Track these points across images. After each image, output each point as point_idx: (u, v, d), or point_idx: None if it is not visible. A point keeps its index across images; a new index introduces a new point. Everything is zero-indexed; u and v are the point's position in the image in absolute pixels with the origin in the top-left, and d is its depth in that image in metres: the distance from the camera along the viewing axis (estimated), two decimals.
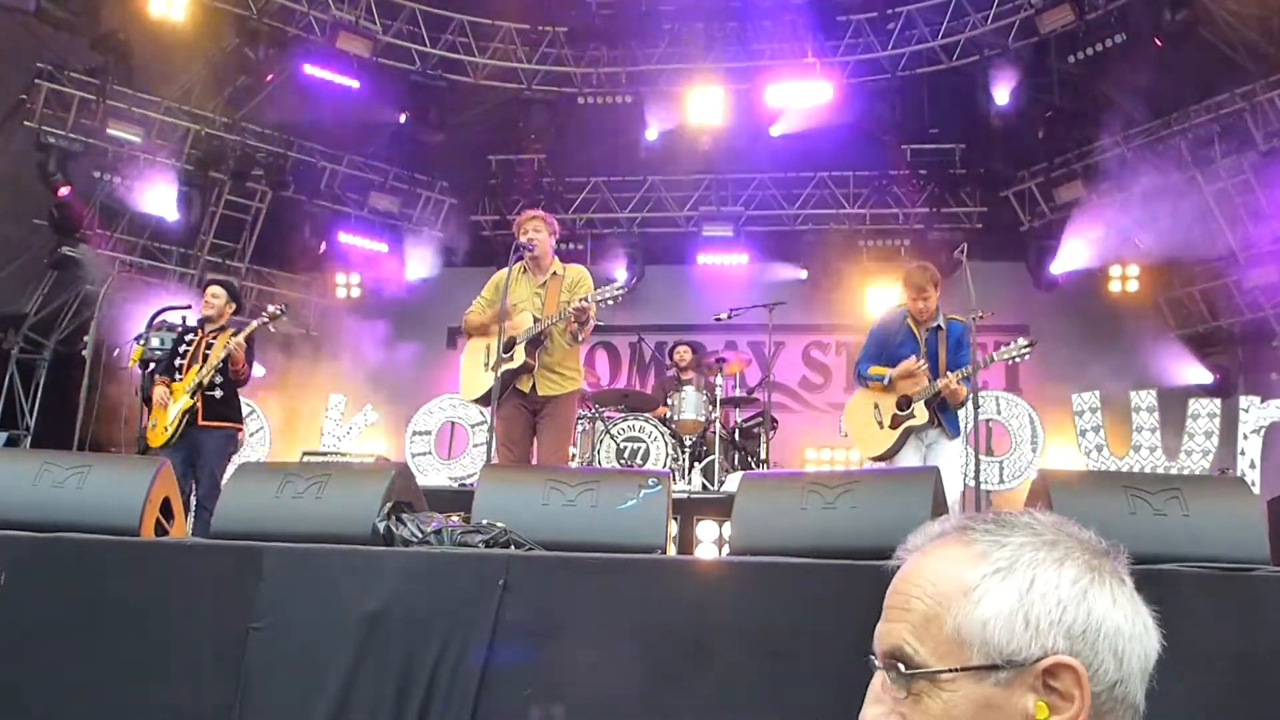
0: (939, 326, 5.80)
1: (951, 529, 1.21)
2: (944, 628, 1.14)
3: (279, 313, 6.48)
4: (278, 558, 3.31)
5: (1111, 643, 1.13)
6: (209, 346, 6.47)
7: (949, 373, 5.62)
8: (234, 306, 6.73)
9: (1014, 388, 10.95)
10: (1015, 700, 1.11)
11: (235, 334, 6.41)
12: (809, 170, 11.92)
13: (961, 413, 5.76)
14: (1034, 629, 1.12)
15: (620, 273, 11.78)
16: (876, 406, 5.83)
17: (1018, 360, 5.89)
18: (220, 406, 6.39)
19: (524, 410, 5.61)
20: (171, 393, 6.38)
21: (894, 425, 5.72)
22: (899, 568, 1.22)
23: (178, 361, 6.49)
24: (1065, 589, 1.14)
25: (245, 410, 7.05)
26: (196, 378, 6.34)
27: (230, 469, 5.97)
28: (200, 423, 6.31)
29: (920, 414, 5.68)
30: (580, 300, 5.37)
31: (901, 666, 1.16)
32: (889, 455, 5.72)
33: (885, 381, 5.79)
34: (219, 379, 6.37)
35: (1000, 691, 1.11)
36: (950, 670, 1.12)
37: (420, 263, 12.17)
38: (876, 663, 1.20)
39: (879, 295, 11.42)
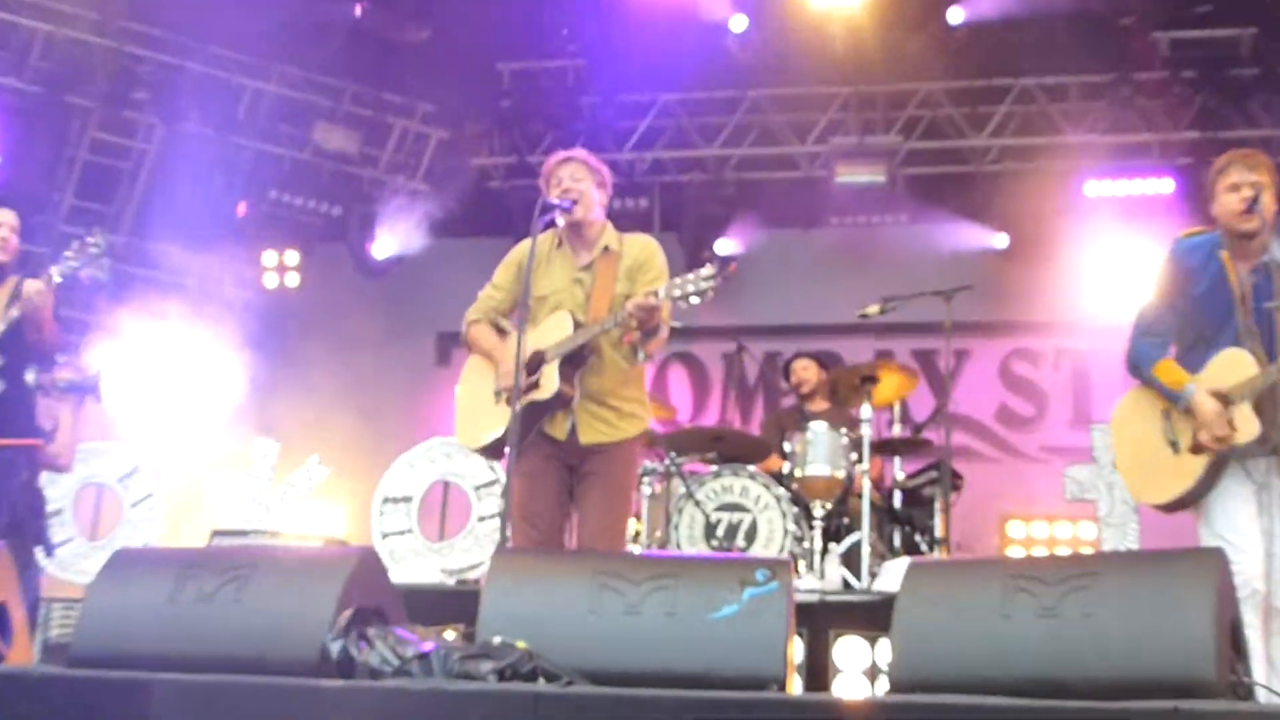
0: (1274, 262, 5.21)
1: None
2: None
3: (95, 248, 6.17)
4: (173, 697, 3.34)
5: None
6: None
7: None
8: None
9: None
10: None
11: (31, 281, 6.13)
12: (1004, 76, 11.82)
13: None
14: None
15: (717, 247, 11.81)
16: (1167, 416, 5.43)
17: None
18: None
19: (558, 465, 5.63)
20: None
21: (1197, 449, 5.29)
22: None
23: None
24: None
25: (124, 464, 7.13)
26: None
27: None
28: None
29: (1245, 425, 5.17)
30: (648, 293, 5.38)
31: None
32: (1190, 500, 5.29)
33: (1184, 399, 5.35)
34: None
35: None
36: None
37: (394, 232, 12.33)
38: None
39: (1122, 272, 11.21)
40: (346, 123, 12.26)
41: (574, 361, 5.56)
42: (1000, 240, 11.92)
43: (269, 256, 12.69)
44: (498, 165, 12.79)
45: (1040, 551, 10.53)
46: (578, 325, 5.56)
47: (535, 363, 5.54)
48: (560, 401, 5.54)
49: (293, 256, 12.69)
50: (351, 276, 12.30)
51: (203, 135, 11.95)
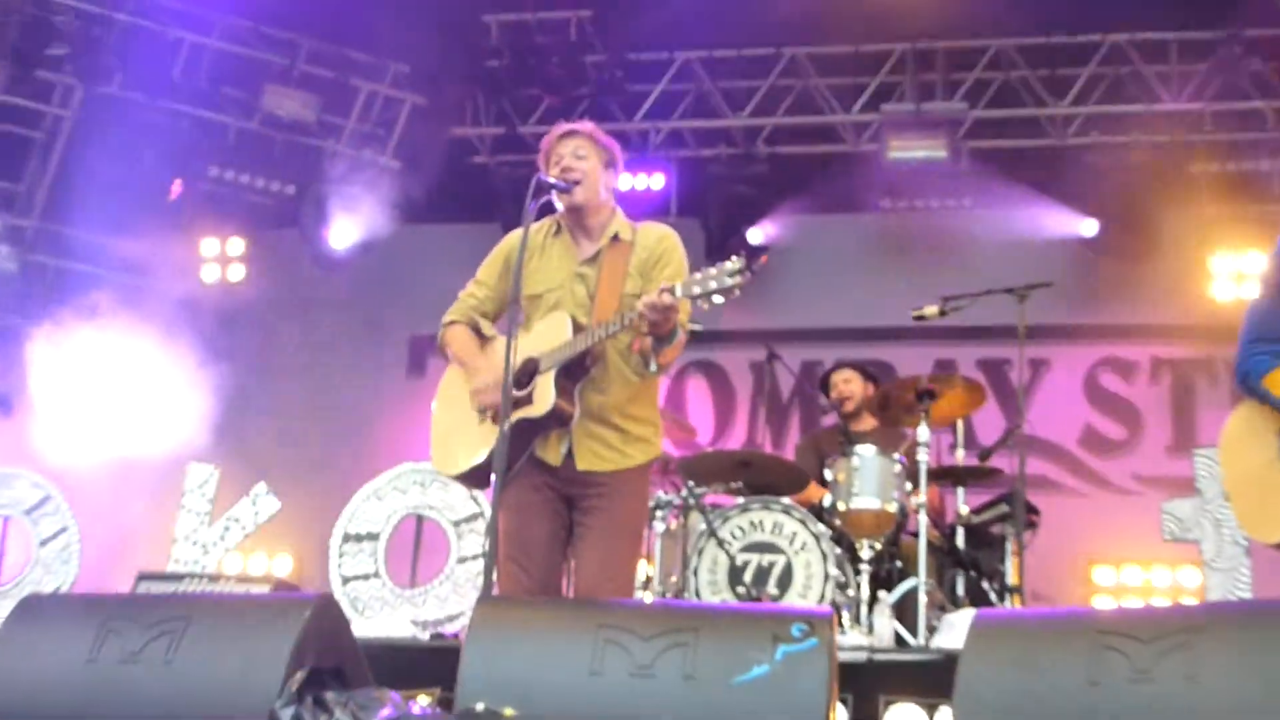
0: None
1: None
2: None
3: None
4: None
5: None
6: None
7: None
8: None
9: None
10: None
11: None
12: (1090, 31, 11.82)
13: None
14: None
15: (747, 236, 11.83)
16: None
17: None
18: None
19: (552, 496, 5.63)
20: None
21: None
22: None
23: None
24: None
25: (33, 494, 7.15)
26: None
27: None
28: None
29: None
30: (662, 290, 5.36)
31: None
32: None
33: None
34: None
35: None
36: None
37: (359, 216, 12.35)
38: None
39: (1232, 266, 11.21)
40: (302, 85, 12.28)
41: (573, 372, 5.55)
42: (1087, 227, 11.91)
43: (209, 245, 12.74)
44: (483, 137, 12.83)
45: (1133, 602, 10.53)
46: (578, 329, 5.55)
47: (527, 373, 5.53)
48: (556, 419, 5.53)
49: (237, 245, 12.74)
50: (307, 269, 12.34)
51: (130, 100, 11.99)
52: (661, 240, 5.82)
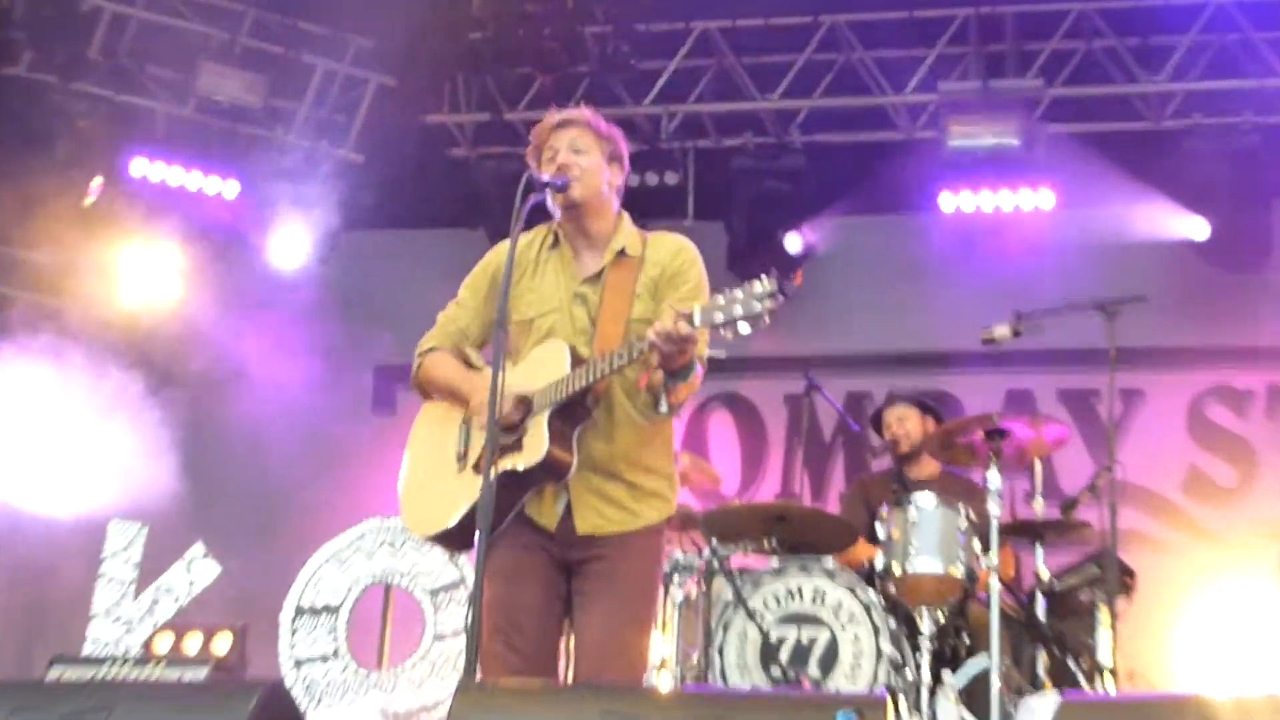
0: None
1: None
2: None
3: None
4: None
5: None
6: None
7: None
8: None
9: None
10: None
11: None
12: None
13: None
14: None
15: (787, 243, 11.87)
16: None
17: None
18: None
19: (546, 560, 5.61)
20: None
21: None
22: None
23: None
24: None
25: None
26: None
27: None
28: None
29: None
30: (677, 315, 5.34)
31: None
32: None
33: None
34: None
35: None
36: None
37: (314, 221, 12.40)
38: None
39: None
40: (246, 63, 12.30)
41: (572, 414, 5.53)
42: (1195, 229, 11.87)
43: (134, 256, 12.67)
44: (463, 126, 12.90)
45: (1254, 684, 10.47)
46: (578, 361, 5.52)
47: (518, 414, 5.51)
48: (551, 471, 5.50)
49: (169, 254, 12.67)
50: (252, 284, 12.35)
51: (38, 83, 12.04)
52: (677, 254, 5.81)
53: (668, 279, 5.74)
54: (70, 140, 12.20)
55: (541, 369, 5.59)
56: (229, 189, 12.40)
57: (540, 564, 5.62)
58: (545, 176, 5.67)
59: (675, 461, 5.93)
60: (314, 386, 12.01)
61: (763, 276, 5.11)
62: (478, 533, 5.13)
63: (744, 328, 5.16)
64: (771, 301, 5.09)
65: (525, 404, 5.52)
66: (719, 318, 5.15)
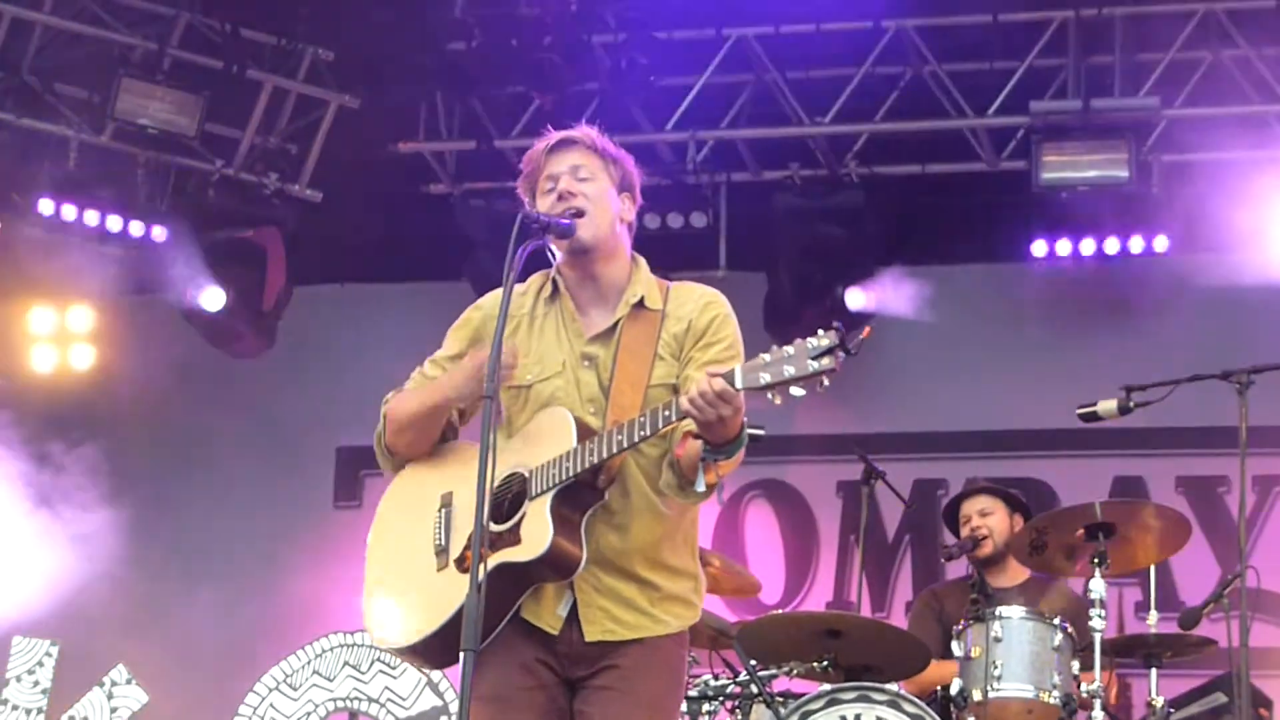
0: None
1: None
2: None
3: None
4: None
5: None
6: None
7: None
8: None
9: None
10: None
11: None
12: None
13: None
14: None
15: (849, 300, 11.95)
16: None
17: None
18: None
19: (548, 678, 5.58)
20: None
21: None
22: None
23: None
24: None
25: None
26: None
27: None
28: None
29: None
30: (713, 374, 5.30)
31: None
32: None
33: None
34: None
35: None
36: None
37: (259, 274, 12.47)
38: None
39: None
40: (176, 80, 12.39)
41: (579, 498, 5.46)
42: None
43: (41, 317, 12.83)
44: (444, 156, 13.03)
45: None
46: (585, 433, 5.46)
47: (512, 495, 5.49)
48: (556, 566, 5.44)
49: (81, 317, 12.82)
50: (184, 352, 12.43)
51: None
52: (706, 308, 5.75)
53: (696, 336, 5.67)
54: None
55: (541, 442, 5.53)
56: (156, 233, 12.46)
57: (539, 685, 5.56)
58: (544, 214, 5.58)
59: (700, 561, 5.87)
60: (262, 474, 12.07)
61: (820, 331, 5.04)
62: (462, 649, 5.03)
63: (797, 391, 5.08)
64: (832, 359, 5.00)
65: (518, 482, 5.49)
66: (765, 378, 5.09)
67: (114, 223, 12.40)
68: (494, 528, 5.38)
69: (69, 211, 12.31)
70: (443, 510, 5.71)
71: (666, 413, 5.25)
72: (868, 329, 5.25)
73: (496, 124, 12.62)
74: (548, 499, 5.42)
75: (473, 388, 5.55)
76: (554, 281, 5.83)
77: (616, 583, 5.56)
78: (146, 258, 12.49)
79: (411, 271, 12.44)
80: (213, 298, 12.37)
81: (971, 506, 9.62)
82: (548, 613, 5.53)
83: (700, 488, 5.39)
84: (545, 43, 12.12)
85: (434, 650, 5.60)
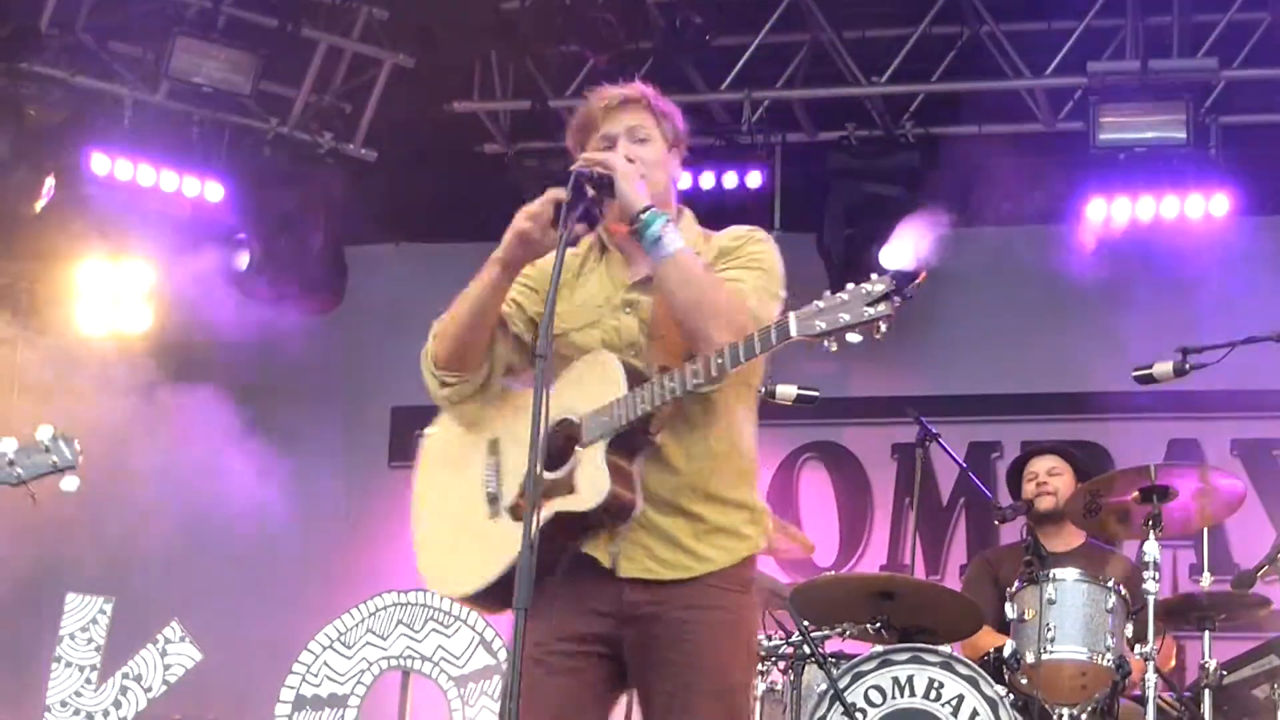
0: None
1: None
2: None
3: None
4: None
5: None
6: None
7: None
8: None
9: None
10: None
11: None
12: None
13: None
14: None
15: (884, 257, 11.88)
16: None
17: None
18: None
19: (599, 630, 5.55)
20: None
21: None
22: None
23: None
24: None
25: None
26: None
27: None
28: None
29: None
30: (761, 331, 5.35)
31: None
32: None
33: None
34: None
35: None
36: None
37: (316, 232, 12.51)
38: None
39: None
40: (231, 39, 12.41)
41: (631, 443, 5.44)
42: None
43: (95, 274, 12.82)
44: (498, 115, 13.04)
45: None
46: (636, 378, 5.43)
47: (563, 442, 5.46)
48: (613, 513, 5.42)
49: (138, 274, 12.83)
50: (239, 310, 12.39)
51: None
52: (736, 236, 5.77)
53: (722, 256, 5.66)
54: (16, 132, 12.33)
55: (587, 388, 5.49)
56: (211, 192, 12.51)
57: (593, 639, 5.53)
58: (592, 171, 5.52)
59: (758, 493, 5.75)
60: (318, 433, 12.08)
61: (873, 276, 5.04)
62: (515, 608, 4.97)
63: (853, 338, 5.06)
64: (888, 304, 4.99)
65: (570, 428, 5.44)
66: (820, 325, 5.07)
67: (167, 180, 12.40)
68: (547, 475, 5.25)
69: (124, 169, 12.29)
70: (491, 457, 5.69)
71: (719, 360, 5.21)
72: (923, 274, 5.22)
73: (551, 84, 12.60)
74: (601, 446, 5.39)
75: (519, 250, 5.54)
76: (600, 242, 5.84)
77: (664, 519, 5.50)
78: (200, 216, 12.54)
79: (465, 231, 12.37)
80: (266, 257, 12.43)
81: (1040, 464, 9.65)
82: (601, 549, 5.49)
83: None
84: (600, 1, 12.10)
85: (495, 597, 5.53)
